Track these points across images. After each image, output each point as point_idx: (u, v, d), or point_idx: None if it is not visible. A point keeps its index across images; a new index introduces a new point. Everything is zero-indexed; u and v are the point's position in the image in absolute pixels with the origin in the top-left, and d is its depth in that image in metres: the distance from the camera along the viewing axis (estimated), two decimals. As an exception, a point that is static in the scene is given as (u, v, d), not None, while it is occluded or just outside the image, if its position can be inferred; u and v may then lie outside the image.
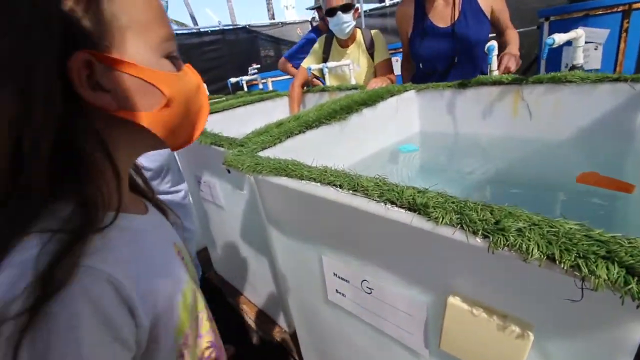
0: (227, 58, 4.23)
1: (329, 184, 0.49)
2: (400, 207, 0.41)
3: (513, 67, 1.15)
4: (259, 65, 4.10)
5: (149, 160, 1.06)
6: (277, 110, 1.79)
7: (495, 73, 1.07)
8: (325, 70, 1.56)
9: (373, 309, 0.58)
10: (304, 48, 2.11)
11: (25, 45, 0.27)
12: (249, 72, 4.19)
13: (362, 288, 0.57)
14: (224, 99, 1.85)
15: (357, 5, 1.59)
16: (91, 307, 0.28)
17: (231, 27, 4.24)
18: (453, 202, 0.38)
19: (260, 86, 2.43)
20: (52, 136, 0.29)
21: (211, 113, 1.47)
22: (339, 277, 0.61)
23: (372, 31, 1.70)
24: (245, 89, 2.36)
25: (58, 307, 0.26)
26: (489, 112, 1.07)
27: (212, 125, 1.47)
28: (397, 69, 1.77)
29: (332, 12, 1.53)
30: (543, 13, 2.70)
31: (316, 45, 1.77)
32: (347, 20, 1.55)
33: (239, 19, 4.51)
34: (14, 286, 0.26)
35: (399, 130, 1.18)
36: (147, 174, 1.03)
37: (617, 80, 0.83)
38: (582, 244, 0.29)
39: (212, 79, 4.05)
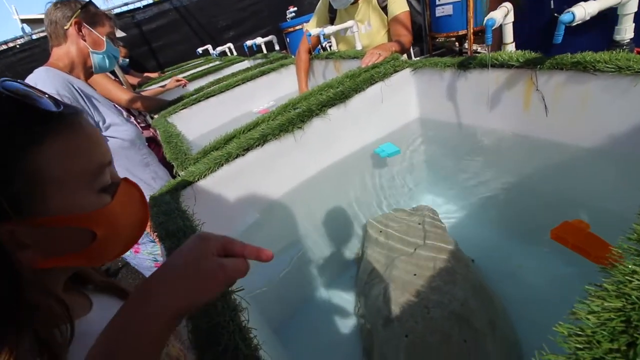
0: (262, 4, 3.94)
1: None
2: None
3: None
4: (296, 8, 3.76)
5: (124, 134, 1.08)
6: (283, 84, 1.67)
7: (510, 48, 0.80)
8: (322, 37, 1.35)
9: None
10: None
11: None
12: (287, 17, 3.89)
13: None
14: (230, 74, 1.77)
15: None
16: None
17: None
18: None
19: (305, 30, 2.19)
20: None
21: (207, 97, 1.44)
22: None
23: (385, -23, 1.37)
24: (264, 50, 2.22)
25: None
26: (496, 101, 0.83)
27: (205, 112, 1.46)
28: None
29: None
30: None
31: (320, 4, 1.52)
32: None
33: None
34: None
35: (387, 122, 1.01)
36: (125, 144, 1.07)
37: (673, 72, 0.55)
38: None
39: (247, 30, 3.88)
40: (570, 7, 0.59)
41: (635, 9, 0.59)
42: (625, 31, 0.62)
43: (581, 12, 0.57)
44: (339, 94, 0.87)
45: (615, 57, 0.61)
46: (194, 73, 2.27)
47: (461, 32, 3.03)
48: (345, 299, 0.93)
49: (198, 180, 0.72)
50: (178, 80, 2.02)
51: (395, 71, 0.96)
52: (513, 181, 0.86)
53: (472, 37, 2.92)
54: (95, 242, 0.33)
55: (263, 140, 0.78)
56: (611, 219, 0.58)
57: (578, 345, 0.24)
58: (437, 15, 2.91)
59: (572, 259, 0.78)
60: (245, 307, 0.38)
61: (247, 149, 0.77)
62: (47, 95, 0.31)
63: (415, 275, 0.75)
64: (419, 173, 1.10)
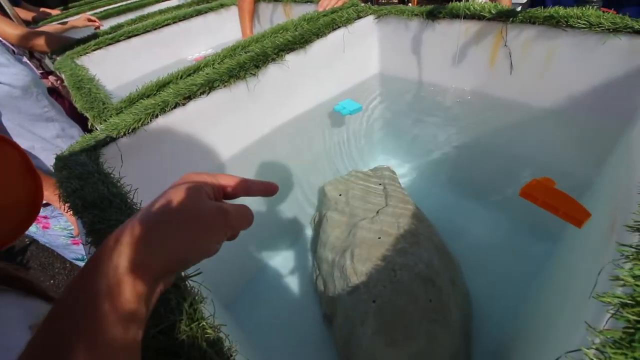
0: None
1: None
2: None
3: None
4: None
5: (13, 78, 0.84)
6: (223, 28, 1.44)
7: (480, -1, 0.75)
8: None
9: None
10: None
11: None
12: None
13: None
14: (157, 11, 1.48)
15: None
16: None
17: None
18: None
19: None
20: None
21: (128, 37, 1.18)
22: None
23: None
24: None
25: None
26: (462, 57, 0.79)
27: (126, 56, 1.20)
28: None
29: None
30: None
31: None
32: None
33: None
34: None
35: (347, 76, 0.92)
36: (16, 93, 0.84)
37: (639, 32, 0.55)
38: None
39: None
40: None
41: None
42: (597, -14, 0.61)
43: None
44: (298, 37, 0.75)
45: (586, 13, 0.60)
46: (108, 10, 1.86)
47: (409, -7, 2.99)
48: (302, 267, 0.88)
49: (125, 135, 0.56)
50: (91, 20, 1.60)
51: (359, 17, 0.86)
52: (472, 141, 0.87)
53: (415, -2, 2.90)
54: None
55: (209, 87, 0.64)
56: (568, 180, 0.59)
57: (635, 318, 0.21)
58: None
59: (521, 218, 0.83)
60: (206, 297, 0.29)
61: (189, 97, 0.62)
62: None
63: (379, 238, 0.72)
64: (377, 133, 1.05)
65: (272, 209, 0.89)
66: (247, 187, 0.26)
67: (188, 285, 0.28)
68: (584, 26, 0.59)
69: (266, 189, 0.27)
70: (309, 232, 0.94)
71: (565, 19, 0.61)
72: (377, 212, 0.78)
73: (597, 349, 0.21)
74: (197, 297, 0.27)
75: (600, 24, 0.57)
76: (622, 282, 0.23)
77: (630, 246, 0.25)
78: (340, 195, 0.86)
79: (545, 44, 0.65)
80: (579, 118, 0.66)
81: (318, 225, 0.88)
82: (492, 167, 0.85)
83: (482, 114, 0.82)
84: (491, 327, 0.68)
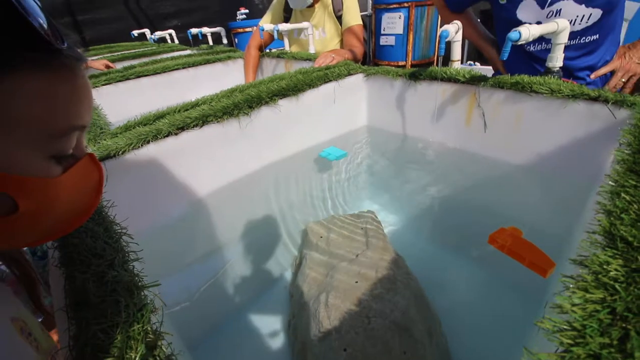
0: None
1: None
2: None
3: None
4: (247, 11, 3.67)
5: None
6: (229, 76, 1.56)
7: (456, 65, 0.84)
8: (275, 34, 1.30)
9: None
10: None
11: None
12: (238, 17, 3.77)
13: None
14: (169, 57, 1.61)
15: None
16: None
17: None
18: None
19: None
20: None
21: (138, 76, 1.26)
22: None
23: (343, -12, 1.39)
24: (210, 42, 2.08)
25: None
26: (441, 115, 0.86)
27: (134, 93, 1.28)
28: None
29: None
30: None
31: (275, 2, 1.48)
32: None
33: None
34: None
35: (336, 125, 0.98)
36: None
37: (595, 99, 0.61)
38: None
39: (194, 23, 3.65)
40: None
41: (565, 41, 0.66)
42: (557, 59, 0.69)
43: (526, 32, 0.61)
44: (292, 85, 0.81)
45: (548, 81, 0.67)
46: (125, 53, 2.01)
47: (401, 63, 3.28)
48: (277, 311, 0.84)
49: (115, 156, 0.59)
50: (108, 67, 1.66)
51: (349, 74, 0.95)
52: (450, 194, 0.90)
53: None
54: (12, 215, 0.25)
55: (202, 121, 0.68)
56: (539, 235, 0.61)
57: (569, 341, 0.21)
58: (382, 44, 3.11)
59: (497, 270, 0.82)
60: (159, 307, 0.28)
61: (182, 128, 0.66)
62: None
63: (357, 282, 0.71)
64: (362, 179, 1.09)
65: (253, 249, 0.89)
66: None
67: (142, 293, 0.28)
68: (546, 92, 0.66)
69: None
70: (289, 273, 0.92)
71: (530, 85, 0.67)
72: (357, 255, 0.78)
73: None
74: (148, 305, 0.27)
75: (560, 90, 0.64)
76: (559, 309, 0.24)
77: (572, 277, 0.26)
78: (321, 237, 0.86)
79: (514, 107, 0.72)
80: (546, 175, 0.70)
81: (298, 267, 0.86)
82: (470, 219, 0.87)
83: (461, 168, 0.86)
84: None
